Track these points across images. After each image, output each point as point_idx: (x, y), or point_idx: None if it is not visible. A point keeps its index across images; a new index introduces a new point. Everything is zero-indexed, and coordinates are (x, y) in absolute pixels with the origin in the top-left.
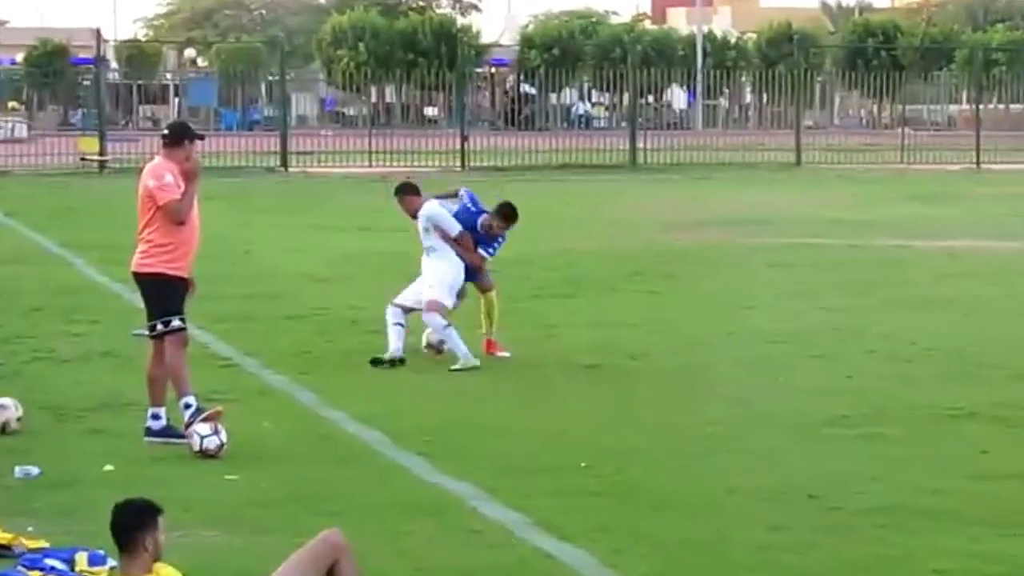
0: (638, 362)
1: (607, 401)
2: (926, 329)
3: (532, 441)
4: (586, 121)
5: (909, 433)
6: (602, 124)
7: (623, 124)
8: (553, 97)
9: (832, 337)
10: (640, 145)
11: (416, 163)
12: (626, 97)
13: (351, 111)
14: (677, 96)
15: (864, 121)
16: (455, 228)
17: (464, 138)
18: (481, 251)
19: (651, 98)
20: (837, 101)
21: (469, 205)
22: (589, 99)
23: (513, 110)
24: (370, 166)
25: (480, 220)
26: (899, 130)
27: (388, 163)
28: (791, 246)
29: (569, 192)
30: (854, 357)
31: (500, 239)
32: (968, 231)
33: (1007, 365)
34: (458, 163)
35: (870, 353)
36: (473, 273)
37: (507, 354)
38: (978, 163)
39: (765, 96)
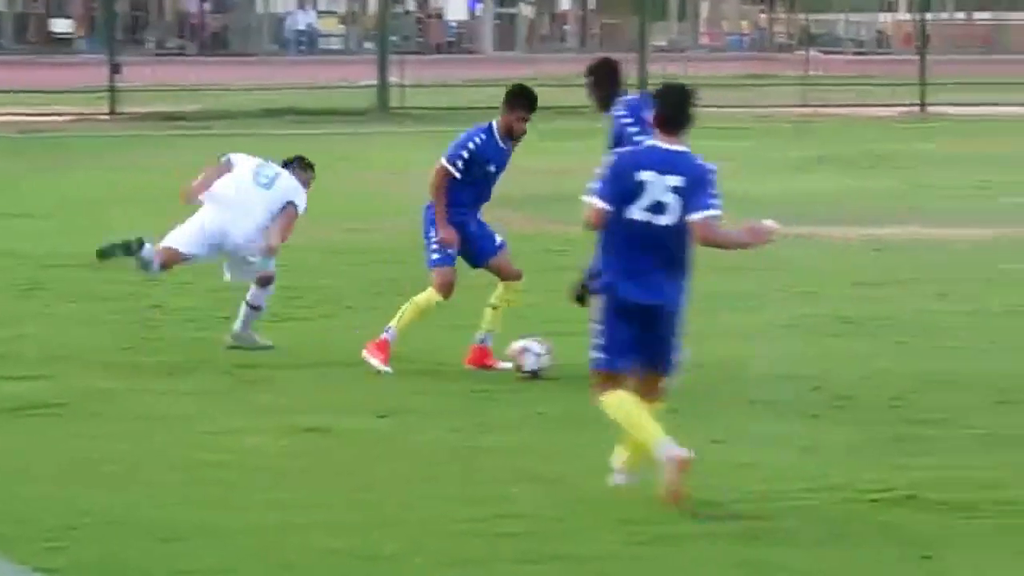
0: (389, 422)
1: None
2: (841, 364)
3: (231, 547)
4: (309, 41)
5: (814, 529)
6: (335, 46)
7: (367, 46)
8: (259, 4)
9: (691, 378)
10: (395, 78)
11: (37, 107)
12: (372, 3)
13: None
14: (453, 1)
15: (746, 40)
16: None
17: (114, 68)
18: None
19: (412, 4)
20: (705, 10)
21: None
22: (314, 7)
23: (195, 25)
24: None
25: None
26: (801, 53)
27: None
28: None
29: (281, 152)
30: (723, 405)
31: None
32: (906, 213)
33: (962, 420)
34: (105, 108)
35: (748, 404)
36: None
37: (508, 365)
38: (923, 104)
39: (592, 2)
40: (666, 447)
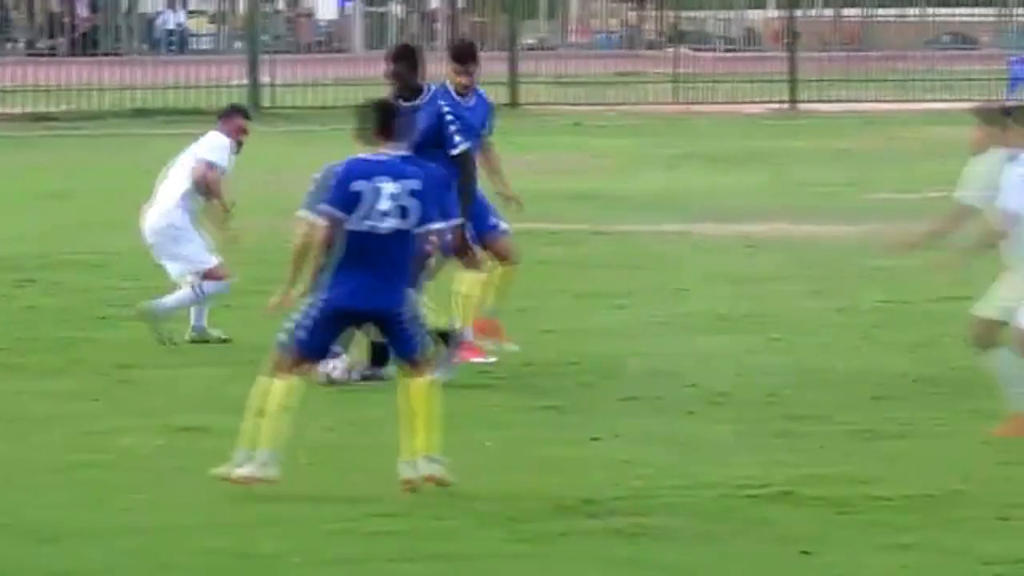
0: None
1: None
2: (716, 361)
3: (111, 548)
4: (180, 40)
5: (692, 525)
6: (205, 45)
7: (238, 45)
8: (126, 3)
9: (567, 376)
10: (266, 78)
11: None
12: (242, 3)
13: None
14: (322, 1)
15: (616, 38)
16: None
17: None
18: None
19: (282, 4)
20: (574, 7)
21: None
22: (184, 7)
23: (65, 24)
24: None
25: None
26: (670, 51)
27: None
28: None
29: (152, 153)
30: (600, 403)
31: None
32: (778, 210)
33: (837, 416)
34: None
35: (625, 402)
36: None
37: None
38: (793, 101)
39: (462, 0)
40: (259, 460)
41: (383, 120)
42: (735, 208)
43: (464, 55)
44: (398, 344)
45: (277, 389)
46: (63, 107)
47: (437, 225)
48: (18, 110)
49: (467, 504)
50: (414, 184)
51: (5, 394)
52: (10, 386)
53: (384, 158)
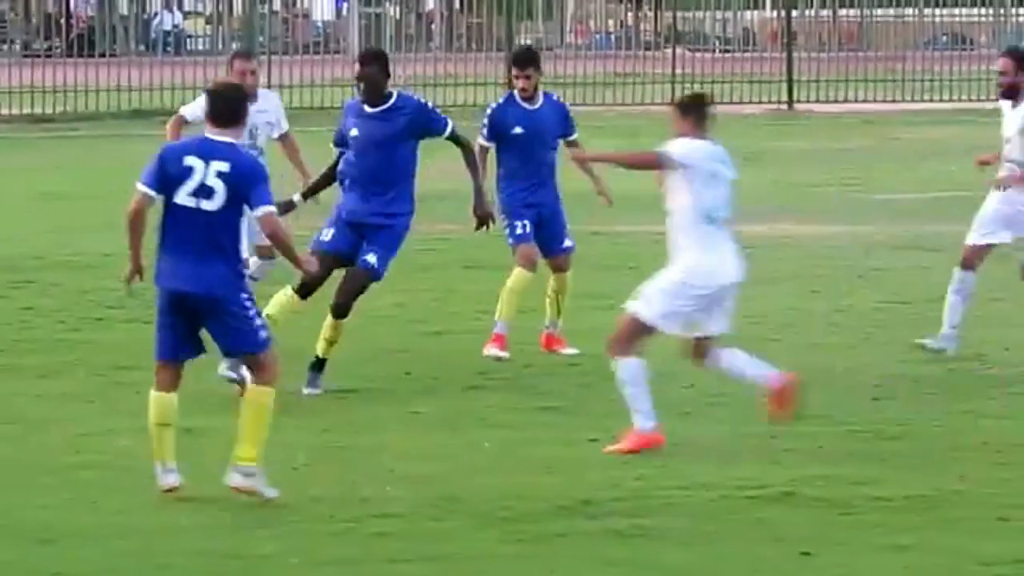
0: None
1: None
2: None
3: (108, 549)
4: (176, 41)
5: (691, 526)
6: (202, 46)
7: (234, 46)
8: (123, 4)
9: (565, 377)
10: (262, 79)
11: None
12: (238, 4)
13: None
14: (319, 2)
15: (614, 38)
16: None
17: None
18: None
19: (278, 4)
20: (571, 8)
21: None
22: (180, 7)
23: (59, 24)
24: None
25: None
26: (667, 51)
27: None
28: (488, 238)
29: (149, 154)
30: (597, 403)
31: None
32: (776, 211)
33: (837, 417)
34: None
35: (622, 402)
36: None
37: (575, 351)
38: (791, 101)
39: (458, 1)
40: (162, 476)
41: (210, 105)
42: (733, 208)
43: (521, 59)
44: (219, 337)
45: (150, 403)
46: (60, 108)
47: (259, 211)
48: (15, 111)
49: (465, 505)
50: (222, 166)
51: (2, 395)
52: (7, 387)
53: (200, 140)
